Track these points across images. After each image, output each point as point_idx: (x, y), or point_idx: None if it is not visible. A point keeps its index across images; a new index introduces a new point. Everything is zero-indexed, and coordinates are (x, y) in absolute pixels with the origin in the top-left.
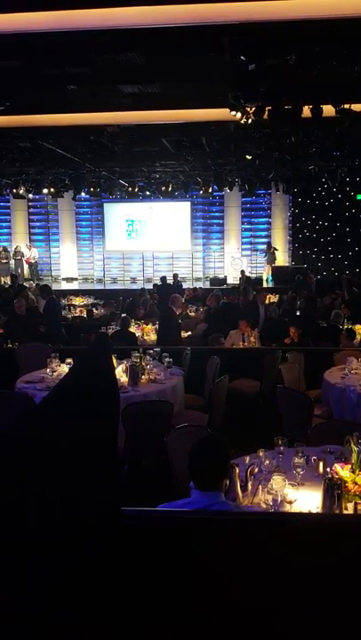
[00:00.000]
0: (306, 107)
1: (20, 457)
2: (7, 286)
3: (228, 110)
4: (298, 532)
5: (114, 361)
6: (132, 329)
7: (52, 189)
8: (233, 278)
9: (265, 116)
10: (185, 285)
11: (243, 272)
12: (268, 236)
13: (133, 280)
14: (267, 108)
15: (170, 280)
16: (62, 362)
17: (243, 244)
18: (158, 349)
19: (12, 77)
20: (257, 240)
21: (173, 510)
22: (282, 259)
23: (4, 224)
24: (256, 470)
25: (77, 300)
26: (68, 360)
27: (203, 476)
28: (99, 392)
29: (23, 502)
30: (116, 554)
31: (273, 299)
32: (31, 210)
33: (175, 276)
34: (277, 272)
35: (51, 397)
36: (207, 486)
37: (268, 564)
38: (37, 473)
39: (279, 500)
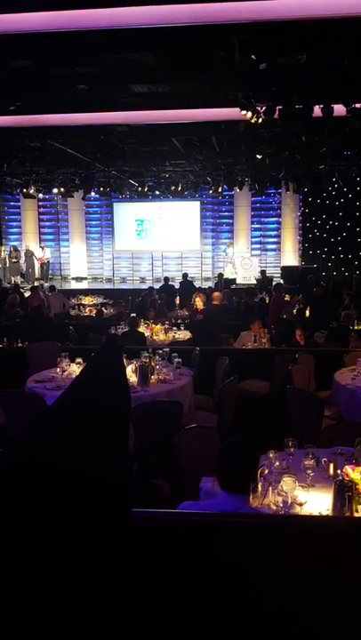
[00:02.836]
0: (317, 106)
1: (32, 456)
2: None
3: (238, 110)
4: (322, 536)
5: (124, 361)
6: (142, 329)
7: (61, 189)
8: (243, 278)
9: (275, 116)
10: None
11: (221, 275)
12: (278, 236)
13: (142, 280)
14: (277, 108)
15: (179, 279)
16: (72, 361)
17: (252, 243)
18: (168, 349)
19: (22, 77)
20: (267, 240)
21: (207, 513)
22: (292, 258)
23: (14, 224)
24: (266, 472)
25: (87, 300)
26: (78, 359)
27: (232, 477)
28: (110, 393)
29: (31, 503)
30: (128, 555)
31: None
32: (41, 209)
33: (185, 275)
34: (287, 272)
35: (62, 399)
36: (235, 488)
37: (285, 566)
38: (45, 473)
39: (289, 501)
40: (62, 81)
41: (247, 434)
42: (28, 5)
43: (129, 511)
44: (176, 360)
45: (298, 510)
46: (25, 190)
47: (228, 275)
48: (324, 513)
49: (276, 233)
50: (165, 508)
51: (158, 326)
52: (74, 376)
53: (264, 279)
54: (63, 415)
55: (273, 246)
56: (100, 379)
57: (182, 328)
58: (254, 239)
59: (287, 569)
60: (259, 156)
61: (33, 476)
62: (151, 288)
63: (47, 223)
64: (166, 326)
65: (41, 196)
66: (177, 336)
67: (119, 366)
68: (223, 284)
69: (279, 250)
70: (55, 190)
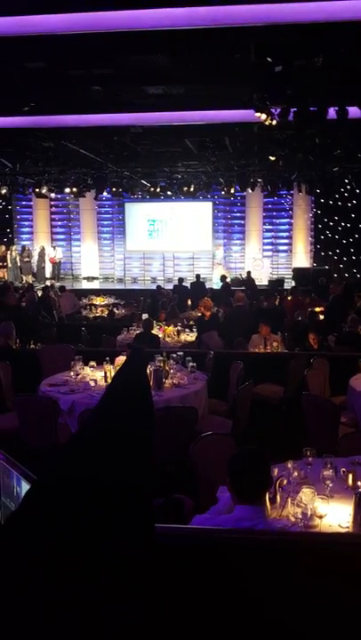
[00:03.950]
0: (331, 108)
1: (61, 478)
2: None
3: (252, 111)
4: (344, 554)
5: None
6: (154, 330)
7: (74, 189)
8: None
9: (290, 118)
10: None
11: (224, 277)
12: (290, 237)
13: (154, 280)
14: (292, 110)
15: (191, 280)
16: (85, 364)
17: (264, 244)
18: (181, 353)
19: (36, 78)
20: (278, 241)
21: (224, 529)
22: (304, 260)
23: (26, 223)
24: (285, 482)
25: (98, 300)
26: (92, 363)
27: (246, 488)
28: (138, 408)
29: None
30: (152, 575)
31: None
32: (53, 209)
33: (198, 276)
34: (299, 273)
35: (93, 417)
36: (251, 499)
37: (307, 586)
38: (81, 487)
39: (309, 513)
40: (77, 82)
41: (257, 444)
42: (44, 7)
43: (152, 521)
44: (190, 364)
45: (317, 522)
46: (37, 190)
47: (215, 278)
48: (344, 525)
49: (287, 234)
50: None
51: (171, 328)
52: (87, 379)
53: (249, 280)
54: (97, 431)
55: (285, 247)
56: (128, 394)
57: (194, 330)
58: (266, 240)
59: (308, 588)
60: (272, 158)
61: (70, 490)
62: (159, 287)
63: (59, 223)
64: (179, 328)
65: (53, 195)
66: (189, 338)
67: (145, 381)
68: (226, 286)
69: (291, 251)
70: (67, 190)
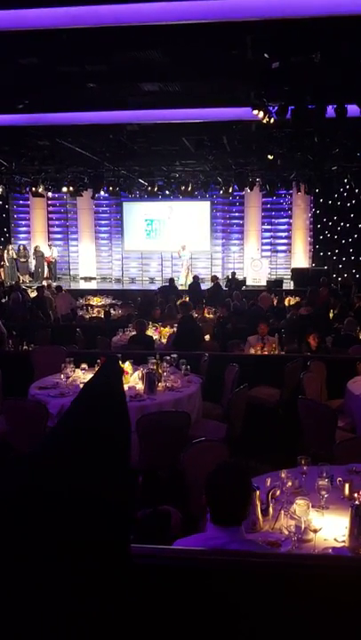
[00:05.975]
0: (330, 106)
1: (26, 490)
2: None
3: (250, 109)
4: (325, 579)
5: (130, 367)
6: (150, 332)
7: (71, 188)
8: (253, 280)
9: (288, 116)
10: (203, 286)
11: (215, 277)
12: (289, 237)
13: (152, 280)
14: (290, 108)
15: (189, 281)
16: (77, 367)
17: (263, 244)
18: (175, 355)
19: (30, 75)
20: (277, 241)
21: (186, 549)
22: (302, 260)
23: (22, 222)
24: (278, 493)
25: (95, 300)
26: (83, 365)
27: (222, 509)
28: (108, 422)
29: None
30: (124, 596)
31: (292, 301)
32: (50, 208)
33: (195, 277)
34: (297, 274)
35: (57, 430)
36: (226, 521)
37: (287, 612)
38: (44, 509)
39: (303, 527)
40: (71, 79)
41: (252, 449)
42: (37, 1)
43: (128, 548)
44: (184, 367)
45: (312, 537)
46: (34, 189)
47: (183, 279)
48: (340, 539)
49: (286, 234)
50: (174, 538)
51: (167, 329)
52: (78, 382)
53: (234, 281)
54: (59, 444)
55: (283, 248)
56: (97, 402)
57: None
58: (265, 240)
59: (298, 616)
60: (270, 157)
61: (29, 502)
62: (156, 291)
63: (56, 222)
64: (175, 329)
65: (50, 194)
66: None
67: (118, 392)
68: (218, 287)
69: (290, 251)
70: (64, 189)
